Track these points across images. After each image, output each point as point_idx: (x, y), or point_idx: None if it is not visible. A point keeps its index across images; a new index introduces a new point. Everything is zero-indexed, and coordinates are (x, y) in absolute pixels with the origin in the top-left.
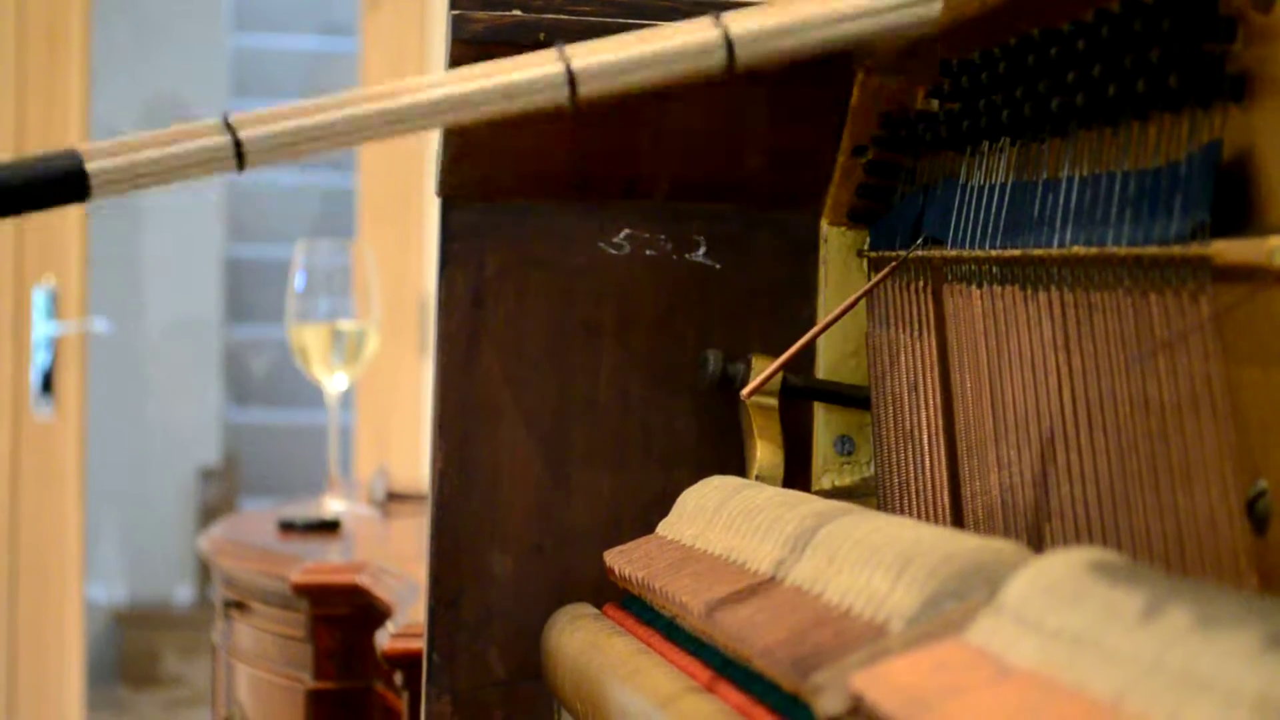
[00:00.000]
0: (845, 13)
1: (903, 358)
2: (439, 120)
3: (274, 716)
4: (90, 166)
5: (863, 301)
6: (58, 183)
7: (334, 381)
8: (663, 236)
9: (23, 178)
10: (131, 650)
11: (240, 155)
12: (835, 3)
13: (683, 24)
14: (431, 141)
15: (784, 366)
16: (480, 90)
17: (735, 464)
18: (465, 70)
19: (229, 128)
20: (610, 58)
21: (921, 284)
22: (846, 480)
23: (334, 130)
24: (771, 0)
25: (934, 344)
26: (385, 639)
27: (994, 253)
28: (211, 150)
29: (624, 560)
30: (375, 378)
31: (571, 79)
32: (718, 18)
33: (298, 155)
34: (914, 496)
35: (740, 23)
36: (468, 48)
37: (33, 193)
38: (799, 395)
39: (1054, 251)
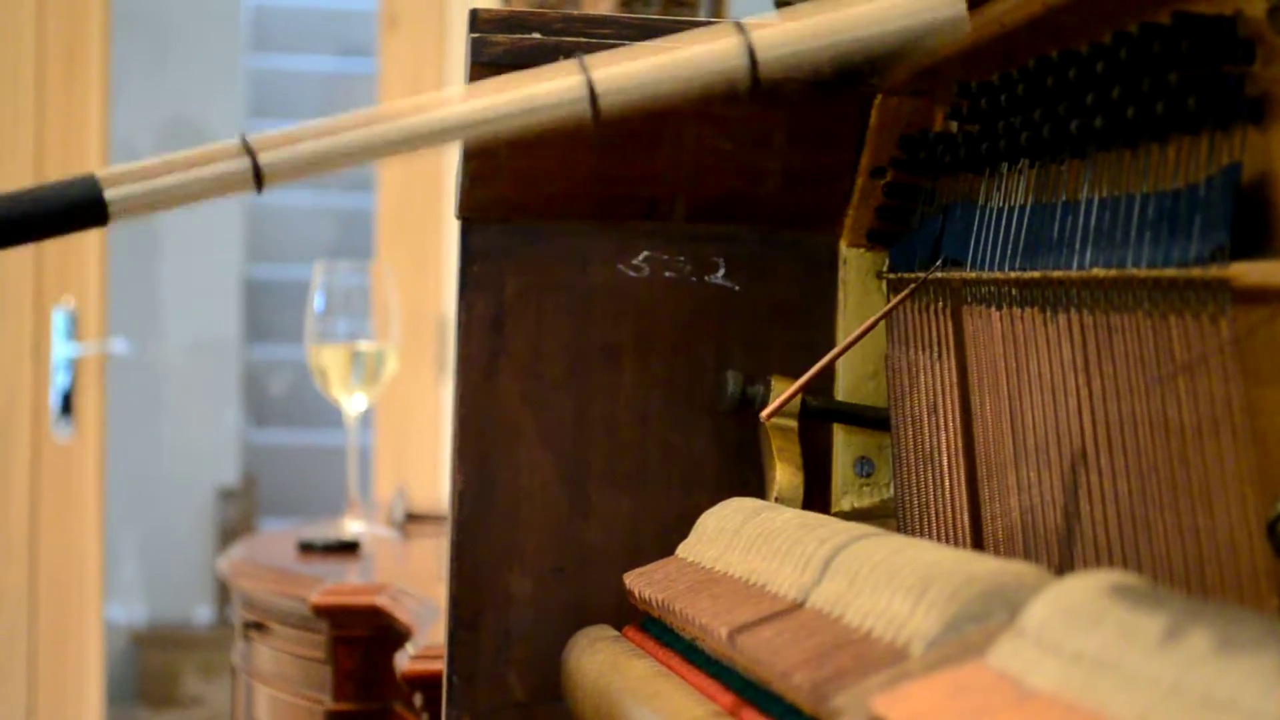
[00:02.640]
0: (869, 18)
1: (922, 379)
2: (458, 136)
3: None
4: (109, 194)
5: (882, 323)
6: (77, 209)
7: (353, 402)
8: (682, 258)
9: (42, 205)
10: (150, 671)
11: (259, 178)
12: (859, 9)
13: (703, 31)
14: (450, 162)
15: (803, 388)
16: (500, 106)
17: (755, 486)
18: (485, 84)
19: (248, 150)
20: (632, 69)
21: (941, 306)
22: (866, 502)
23: (353, 151)
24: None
25: (953, 366)
26: (405, 660)
27: (1013, 275)
28: (231, 174)
29: (644, 582)
30: (394, 398)
31: (593, 92)
32: (740, 26)
33: (317, 175)
34: (934, 518)
35: (762, 31)
36: (487, 71)
37: (52, 220)
38: (818, 417)
39: (1073, 274)
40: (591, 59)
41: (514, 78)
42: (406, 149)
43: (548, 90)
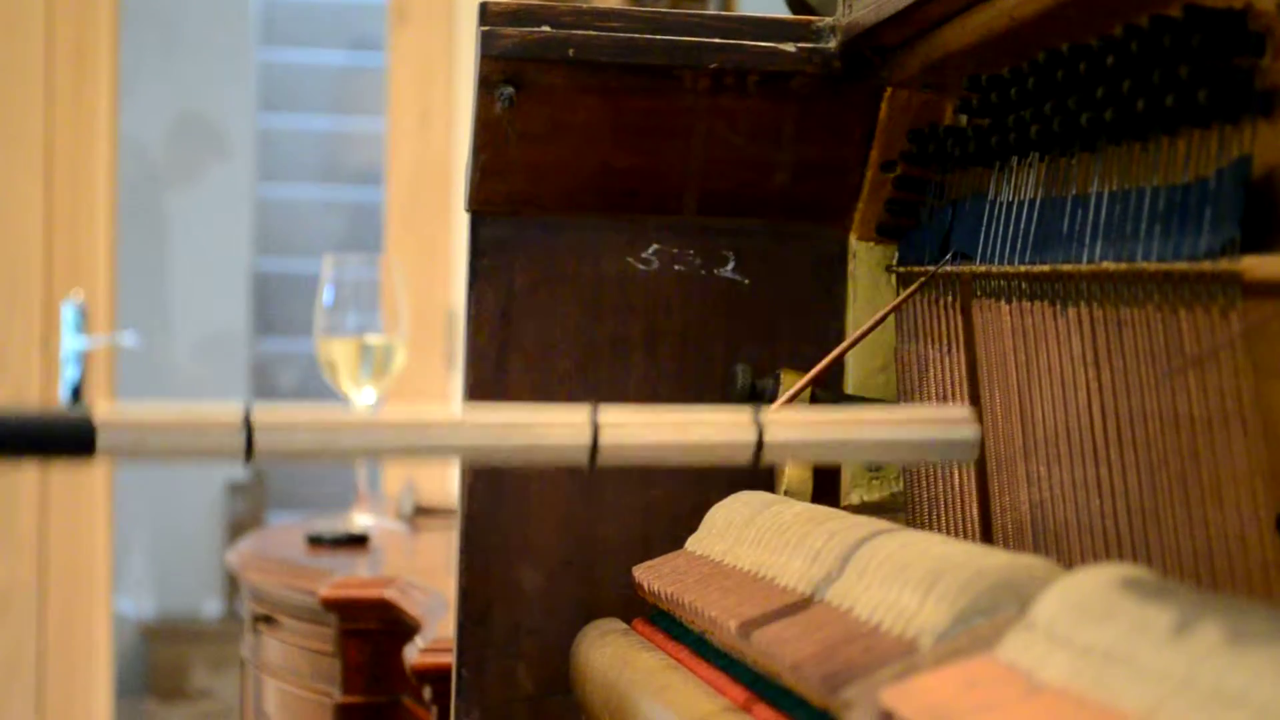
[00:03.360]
0: (885, 434)
1: (932, 373)
2: (455, 458)
3: None
4: (100, 440)
5: (891, 317)
6: (65, 439)
7: (362, 395)
8: (691, 252)
9: (34, 430)
10: (160, 664)
11: (250, 452)
12: (876, 421)
13: (722, 419)
14: (460, 155)
15: (813, 381)
16: (503, 446)
17: (764, 479)
18: (491, 416)
19: (248, 427)
20: (639, 434)
21: (950, 299)
22: (875, 495)
23: (348, 451)
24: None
25: (963, 359)
26: (414, 654)
27: (1023, 268)
28: (224, 447)
29: (653, 575)
30: (403, 392)
31: (595, 449)
32: (757, 420)
33: (306, 460)
34: (943, 512)
35: (777, 430)
36: (497, 63)
37: (40, 445)
38: None
39: (1083, 267)
40: (604, 416)
41: (523, 416)
42: (400, 458)
43: (555, 443)
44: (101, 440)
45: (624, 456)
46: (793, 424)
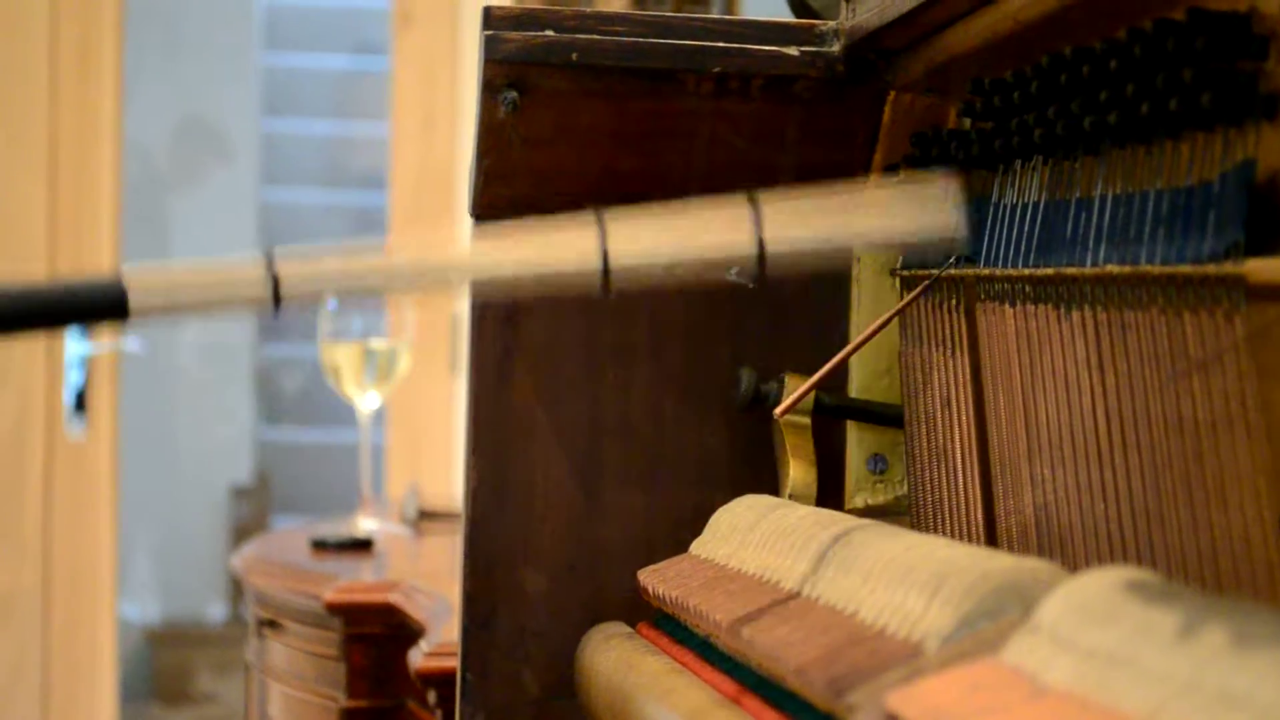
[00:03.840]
0: (874, 227)
1: (936, 376)
2: (469, 284)
3: None
4: (133, 299)
5: (895, 320)
6: (99, 304)
7: (366, 400)
8: None
9: (67, 298)
10: (164, 668)
11: (278, 299)
12: (867, 214)
13: (724, 225)
14: (463, 159)
15: (817, 385)
16: (514, 269)
17: (768, 483)
18: (500, 243)
19: (273, 275)
20: (646, 240)
21: (954, 303)
22: (879, 499)
23: (370, 289)
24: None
25: (967, 363)
26: (419, 658)
27: (1027, 271)
28: (253, 296)
29: (657, 579)
30: (407, 396)
31: (606, 271)
32: (755, 213)
33: (330, 298)
34: (947, 515)
35: (773, 215)
36: (500, 68)
37: (74, 312)
38: (832, 414)
39: (1087, 270)
40: (610, 219)
41: (532, 236)
42: (417, 293)
43: (563, 262)
44: (134, 302)
45: (634, 276)
46: (788, 213)
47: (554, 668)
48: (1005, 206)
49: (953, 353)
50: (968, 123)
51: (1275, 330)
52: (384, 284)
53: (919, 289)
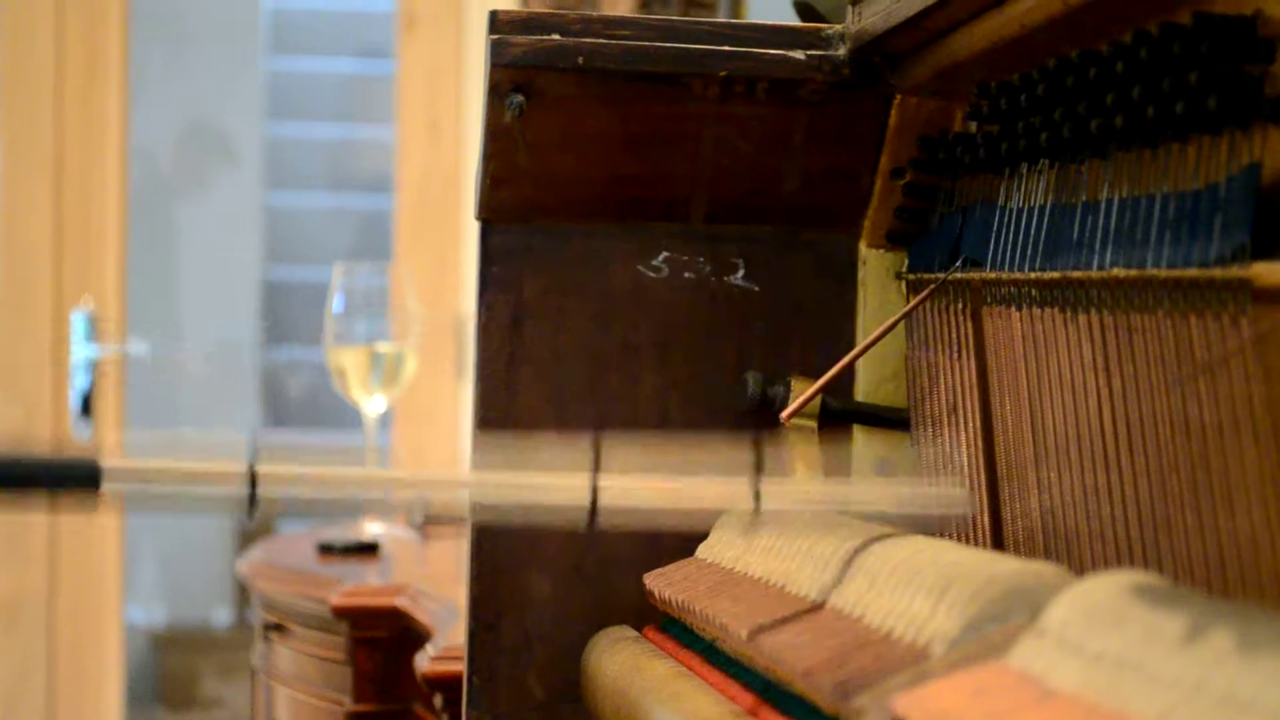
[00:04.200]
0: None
1: (942, 380)
2: (460, 518)
3: None
4: (105, 486)
5: (902, 324)
6: (72, 480)
7: (372, 404)
8: (701, 259)
9: (41, 472)
10: (170, 672)
11: (253, 506)
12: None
13: (720, 488)
14: (470, 163)
15: (823, 389)
16: (506, 506)
17: None
18: (492, 478)
19: (251, 480)
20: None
21: (960, 306)
22: None
23: (351, 506)
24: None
25: (973, 366)
26: (425, 662)
27: (1033, 275)
28: (228, 499)
29: (664, 583)
30: (413, 400)
31: (593, 513)
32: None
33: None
34: (954, 519)
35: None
36: (506, 72)
37: (47, 485)
38: (838, 418)
39: (1093, 274)
40: (605, 482)
41: (524, 480)
42: (400, 501)
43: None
44: (107, 489)
45: (622, 520)
46: (788, 496)
47: (560, 671)
48: (1011, 210)
49: (959, 357)
50: (974, 126)
51: None
52: (363, 494)
53: (925, 293)
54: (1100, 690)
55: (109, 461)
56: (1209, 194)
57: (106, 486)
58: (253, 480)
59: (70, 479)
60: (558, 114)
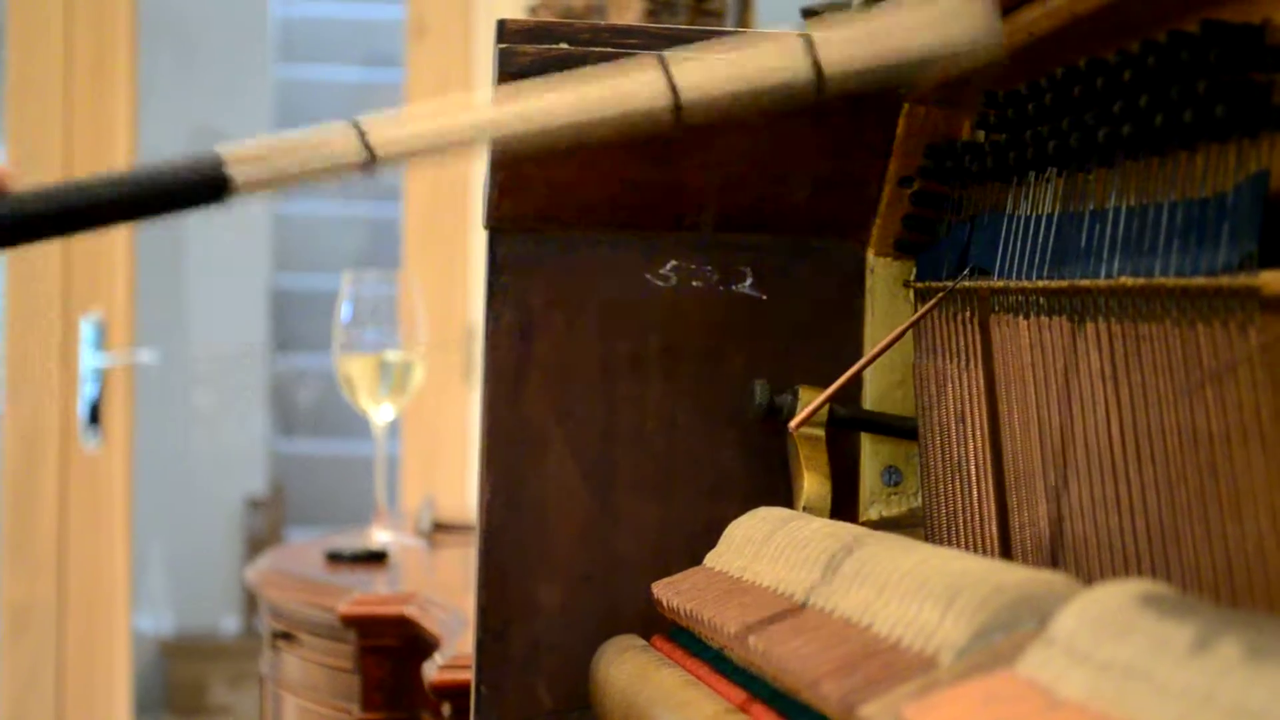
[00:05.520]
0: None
1: (950, 388)
2: (548, 131)
3: None
4: (233, 171)
5: (910, 332)
6: (201, 185)
7: (381, 412)
8: (709, 268)
9: (170, 178)
10: (178, 681)
11: (371, 159)
12: (906, 17)
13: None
14: (478, 172)
15: (831, 397)
16: (588, 113)
17: (782, 495)
18: (568, 89)
19: (361, 134)
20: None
21: (968, 315)
22: (894, 511)
23: (458, 143)
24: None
25: (981, 375)
26: (433, 670)
27: (1041, 283)
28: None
29: (672, 591)
30: (422, 408)
31: (677, 102)
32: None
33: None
34: (962, 527)
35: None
36: (515, 81)
37: (175, 195)
38: (846, 426)
39: (1101, 282)
40: (671, 57)
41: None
42: (498, 144)
43: (631, 90)
44: (236, 177)
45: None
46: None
47: (568, 680)
48: (1019, 218)
49: (967, 365)
50: (981, 135)
51: None
52: (470, 138)
53: (933, 301)
54: (1109, 700)
55: (228, 151)
56: (1217, 202)
57: (234, 171)
58: (365, 139)
59: (196, 179)
60: None
